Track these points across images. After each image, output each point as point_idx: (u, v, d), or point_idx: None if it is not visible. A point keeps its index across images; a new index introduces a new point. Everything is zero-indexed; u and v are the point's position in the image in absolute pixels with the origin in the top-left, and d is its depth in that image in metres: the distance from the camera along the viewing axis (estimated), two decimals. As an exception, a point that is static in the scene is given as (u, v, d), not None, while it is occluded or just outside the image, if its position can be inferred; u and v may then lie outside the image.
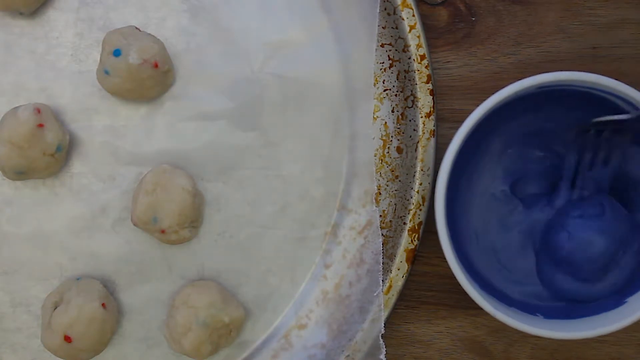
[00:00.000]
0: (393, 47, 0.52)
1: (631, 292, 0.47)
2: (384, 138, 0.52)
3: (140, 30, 0.51)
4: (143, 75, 0.49)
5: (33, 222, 0.52)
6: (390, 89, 0.52)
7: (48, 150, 0.49)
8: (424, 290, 0.54)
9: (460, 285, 0.46)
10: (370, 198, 0.53)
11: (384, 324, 0.51)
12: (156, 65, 0.49)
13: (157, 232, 0.49)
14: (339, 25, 0.52)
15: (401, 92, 0.52)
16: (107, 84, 0.50)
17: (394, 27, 0.51)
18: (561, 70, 0.46)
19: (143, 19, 0.52)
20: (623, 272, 0.49)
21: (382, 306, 0.51)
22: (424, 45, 0.51)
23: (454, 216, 0.49)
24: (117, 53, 0.49)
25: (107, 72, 0.49)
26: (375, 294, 0.51)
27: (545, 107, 0.49)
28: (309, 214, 0.53)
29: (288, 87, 0.52)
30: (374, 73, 0.52)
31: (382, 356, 0.50)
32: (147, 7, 0.52)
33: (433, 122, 0.51)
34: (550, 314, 0.49)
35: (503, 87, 0.46)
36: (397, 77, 0.52)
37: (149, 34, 0.51)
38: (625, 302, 0.47)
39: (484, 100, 0.46)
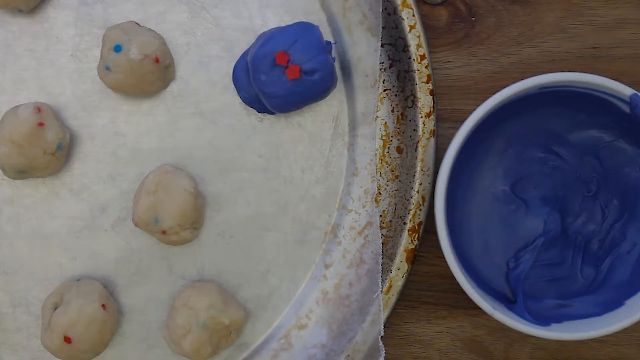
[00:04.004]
0: (393, 47, 0.52)
1: (630, 294, 0.47)
2: (384, 138, 0.52)
3: (140, 26, 0.51)
4: (144, 70, 0.49)
5: (33, 221, 0.52)
6: (390, 89, 0.52)
7: (48, 149, 0.49)
8: (424, 290, 0.54)
9: (459, 285, 0.46)
10: (370, 198, 0.53)
11: (384, 324, 0.51)
12: (157, 60, 0.49)
13: (158, 233, 0.49)
14: (339, 25, 0.52)
15: (401, 92, 0.52)
16: (109, 79, 0.50)
17: (394, 27, 0.51)
18: (561, 71, 0.46)
19: (143, 15, 0.52)
20: (622, 275, 0.49)
21: (381, 307, 0.51)
22: (424, 45, 0.51)
23: (454, 216, 0.49)
24: (117, 48, 0.49)
25: (108, 68, 0.49)
26: (375, 296, 0.51)
27: (546, 107, 0.49)
28: (309, 214, 0.53)
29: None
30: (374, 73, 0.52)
31: (382, 356, 0.50)
32: (146, 3, 0.52)
33: (433, 122, 0.51)
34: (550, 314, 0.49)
35: (503, 87, 0.46)
36: (397, 77, 0.52)
37: (149, 29, 0.51)
38: (624, 304, 0.47)
39: (484, 100, 0.46)
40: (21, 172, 0.49)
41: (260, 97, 0.50)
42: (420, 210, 0.51)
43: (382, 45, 0.52)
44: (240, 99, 0.52)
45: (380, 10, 0.51)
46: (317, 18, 0.52)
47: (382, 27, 0.51)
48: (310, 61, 0.48)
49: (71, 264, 0.52)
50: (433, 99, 0.51)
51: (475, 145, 0.48)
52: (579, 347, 0.54)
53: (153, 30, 0.51)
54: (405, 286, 0.51)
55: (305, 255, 0.53)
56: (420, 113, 0.51)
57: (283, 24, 0.51)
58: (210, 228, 0.52)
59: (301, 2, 0.52)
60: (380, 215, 0.52)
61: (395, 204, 0.52)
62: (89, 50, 0.52)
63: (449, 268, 0.46)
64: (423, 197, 0.51)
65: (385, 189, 0.53)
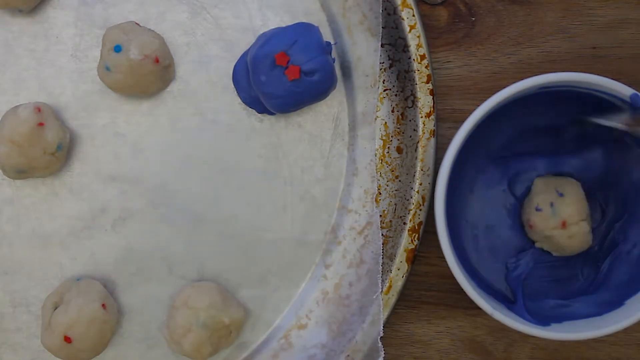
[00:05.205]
0: (393, 47, 0.52)
1: (629, 295, 0.47)
2: (384, 138, 0.52)
3: (140, 26, 0.51)
4: (144, 70, 0.49)
5: (33, 221, 0.52)
6: (390, 89, 0.52)
7: (48, 149, 0.49)
8: (424, 290, 0.54)
9: (459, 285, 0.46)
10: (370, 198, 0.53)
11: (384, 324, 0.51)
12: (157, 61, 0.49)
13: None
14: (339, 25, 0.52)
15: (401, 92, 0.52)
16: (109, 80, 0.50)
17: (394, 27, 0.51)
18: (561, 70, 0.46)
19: (143, 15, 0.52)
20: (622, 275, 0.49)
21: (381, 307, 0.51)
22: (424, 45, 0.51)
23: (454, 216, 0.49)
24: (117, 49, 0.49)
25: (108, 68, 0.49)
26: (374, 296, 0.51)
27: (546, 107, 0.49)
28: (309, 214, 0.53)
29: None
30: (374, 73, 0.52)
31: (382, 357, 0.50)
32: (146, 3, 0.52)
33: (433, 122, 0.51)
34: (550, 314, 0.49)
35: (503, 87, 0.46)
36: (397, 77, 0.52)
37: (149, 29, 0.51)
38: (624, 304, 0.47)
39: (484, 100, 0.46)
40: (21, 172, 0.49)
41: (260, 98, 0.50)
42: (420, 210, 0.51)
43: (382, 45, 0.52)
44: (240, 99, 0.52)
45: (380, 10, 0.51)
46: (317, 18, 0.52)
47: (382, 27, 0.51)
48: (310, 62, 0.48)
49: (71, 264, 0.52)
50: (433, 99, 0.51)
51: (475, 145, 0.48)
52: (579, 347, 0.54)
53: (153, 31, 0.51)
54: (405, 286, 0.51)
55: (305, 255, 0.53)
56: (420, 113, 0.51)
57: (283, 24, 0.51)
58: (210, 228, 0.52)
59: (301, 2, 0.52)
60: (380, 215, 0.52)
61: (395, 204, 0.52)
62: (89, 50, 0.52)
63: (449, 268, 0.46)
64: (423, 197, 0.51)
65: (385, 189, 0.53)
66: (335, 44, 0.52)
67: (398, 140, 0.52)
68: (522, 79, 0.45)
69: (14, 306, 0.52)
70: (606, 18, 0.53)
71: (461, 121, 0.46)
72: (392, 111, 0.52)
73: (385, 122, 0.53)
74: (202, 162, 0.52)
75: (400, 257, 0.51)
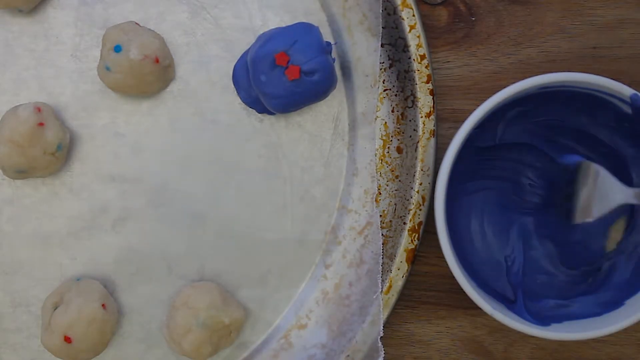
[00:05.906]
0: (393, 47, 0.52)
1: (629, 295, 0.47)
2: (384, 138, 0.52)
3: (140, 26, 0.51)
4: (144, 70, 0.49)
5: (33, 222, 0.52)
6: (390, 89, 0.52)
7: (48, 149, 0.49)
8: (424, 290, 0.54)
9: (459, 285, 0.46)
10: (370, 198, 0.53)
11: (384, 324, 0.51)
12: (157, 61, 0.49)
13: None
14: (339, 25, 0.52)
15: (401, 92, 0.52)
16: (108, 80, 0.50)
17: (394, 27, 0.51)
18: (561, 70, 0.46)
19: (143, 15, 0.52)
20: (622, 275, 0.49)
21: (381, 307, 0.51)
22: (424, 45, 0.51)
23: (454, 216, 0.49)
24: (117, 49, 0.49)
25: (108, 68, 0.49)
26: (374, 296, 0.51)
27: (545, 107, 0.49)
28: (309, 214, 0.53)
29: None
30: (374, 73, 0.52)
31: (382, 356, 0.50)
32: (146, 3, 0.52)
33: (433, 122, 0.51)
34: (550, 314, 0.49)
35: (503, 87, 0.46)
36: (397, 77, 0.52)
37: (149, 29, 0.51)
38: (624, 304, 0.47)
39: (484, 100, 0.46)
40: (21, 172, 0.49)
41: (260, 98, 0.50)
42: (420, 210, 0.51)
43: (382, 45, 0.52)
44: (240, 99, 0.52)
45: (380, 10, 0.51)
46: (317, 18, 0.52)
47: (382, 27, 0.51)
48: (310, 62, 0.48)
49: (71, 264, 0.52)
50: (433, 99, 0.51)
51: (475, 144, 0.48)
52: (579, 347, 0.54)
53: (153, 31, 0.51)
54: (405, 286, 0.51)
55: (305, 255, 0.53)
56: (420, 113, 0.51)
57: (283, 24, 0.51)
58: (210, 228, 0.52)
59: (301, 2, 0.52)
60: (380, 215, 0.52)
61: (395, 204, 0.52)
62: (89, 50, 0.52)
63: (449, 268, 0.46)
64: (423, 197, 0.51)
65: (385, 189, 0.53)
66: (335, 44, 0.52)
67: (398, 140, 0.52)
68: (522, 79, 0.45)
69: (14, 306, 0.52)
70: (606, 18, 0.53)
71: (461, 121, 0.46)
72: (392, 111, 0.52)
73: (385, 122, 0.53)
74: (202, 162, 0.52)
75: (400, 257, 0.51)
